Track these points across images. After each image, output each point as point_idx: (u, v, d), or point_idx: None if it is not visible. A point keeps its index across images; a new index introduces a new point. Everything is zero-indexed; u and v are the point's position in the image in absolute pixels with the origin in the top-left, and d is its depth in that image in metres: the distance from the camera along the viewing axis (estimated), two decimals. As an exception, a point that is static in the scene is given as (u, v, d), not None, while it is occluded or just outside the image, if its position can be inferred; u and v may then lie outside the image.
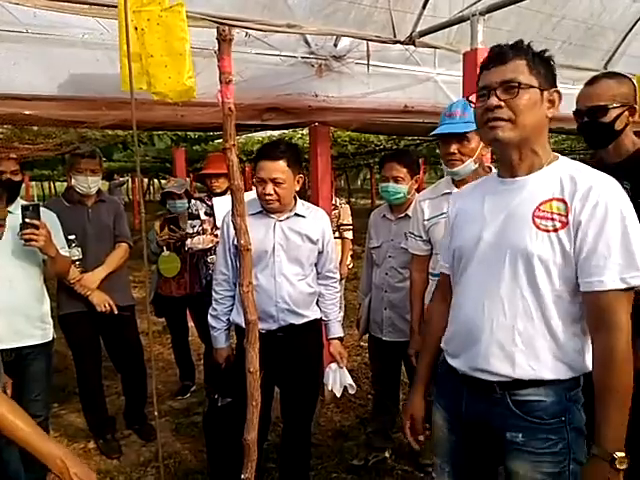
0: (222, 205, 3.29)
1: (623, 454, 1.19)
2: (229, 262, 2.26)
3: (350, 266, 4.81)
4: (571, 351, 1.30)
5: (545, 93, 1.30)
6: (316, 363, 2.40)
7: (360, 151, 8.88)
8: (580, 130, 2.01)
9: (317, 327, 2.38)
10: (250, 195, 2.18)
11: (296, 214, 2.25)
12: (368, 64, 3.08)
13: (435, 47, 3.05)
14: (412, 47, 3.00)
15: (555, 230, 1.27)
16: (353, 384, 2.39)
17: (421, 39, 2.93)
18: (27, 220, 2.21)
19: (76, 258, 2.80)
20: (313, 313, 2.34)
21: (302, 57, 3.03)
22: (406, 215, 2.60)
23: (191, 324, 3.90)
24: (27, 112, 2.08)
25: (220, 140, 5.90)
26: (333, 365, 2.40)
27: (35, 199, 17.62)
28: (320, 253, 2.32)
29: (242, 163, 9.61)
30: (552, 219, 1.27)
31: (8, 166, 2.32)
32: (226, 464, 2.27)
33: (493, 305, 1.33)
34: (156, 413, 1.38)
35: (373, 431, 2.90)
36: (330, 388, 2.37)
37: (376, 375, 2.95)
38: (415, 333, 2.39)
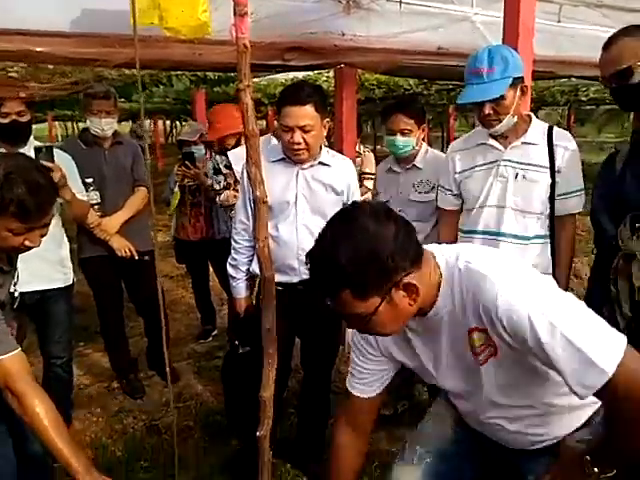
0: (239, 156, 3.19)
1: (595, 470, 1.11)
2: (249, 212, 2.18)
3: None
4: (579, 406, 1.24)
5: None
6: (337, 316, 2.36)
7: (388, 96, 8.54)
8: (612, 96, 1.86)
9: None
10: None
11: (320, 162, 2.14)
12: (400, 1, 2.85)
13: (473, -17, 2.81)
14: (448, -18, 2.77)
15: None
16: None
17: (458, -27, 2.70)
18: (41, 162, 2.15)
19: (94, 202, 2.76)
20: None
21: (329, -8, 2.82)
22: (414, 166, 2.50)
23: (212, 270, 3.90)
24: (39, 49, 1.97)
25: (242, 81, 5.67)
26: None
27: (59, 139, 17.67)
28: (344, 204, 2.22)
29: (264, 106, 9.37)
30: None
31: (12, 107, 2.22)
32: (243, 411, 2.29)
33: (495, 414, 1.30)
34: (167, 360, 1.39)
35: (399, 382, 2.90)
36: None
37: None
38: None
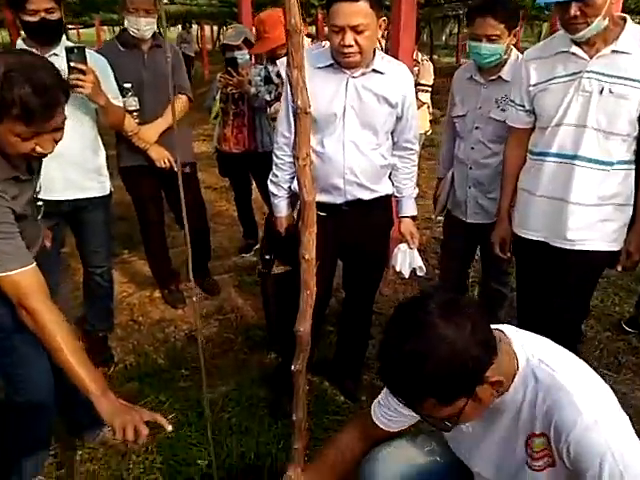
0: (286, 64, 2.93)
1: None
2: (292, 124, 1.99)
3: (429, 133, 4.41)
4: None
5: None
6: (383, 241, 2.22)
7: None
8: None
9: (387, 203, 2.15)
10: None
11: (374, 70, 1.89)
12: None
13: None
14: None
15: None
16: (423, 266, 2.21)
17: None
18: (72, 64, 2.00)
19: (133, 108, 2.61)
20: (384, 188, 2.08)
21: None
22: (499, 78, 2.19)
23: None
24: None
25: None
26: (402, 246, 2.20)
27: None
28: (399, 119, 1.99)
29: (314, 9, 8.77)
30: None
31: (40, 4, 2.02)
32: (282, 328, 2.26)
33: None
34: (191, 279, 1.29)
35: None
36: (398, 269, 2.21)
37: (448, 256, 2.74)
38: (503, 220, 2.12)
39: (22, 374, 1.61)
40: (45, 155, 1.35)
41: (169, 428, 1.32)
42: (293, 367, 1.18)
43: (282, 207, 2.15)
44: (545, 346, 1.17)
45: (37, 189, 1.54)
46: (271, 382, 2.42)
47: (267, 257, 3.38)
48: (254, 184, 3.73)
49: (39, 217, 1.60)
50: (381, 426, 1.40)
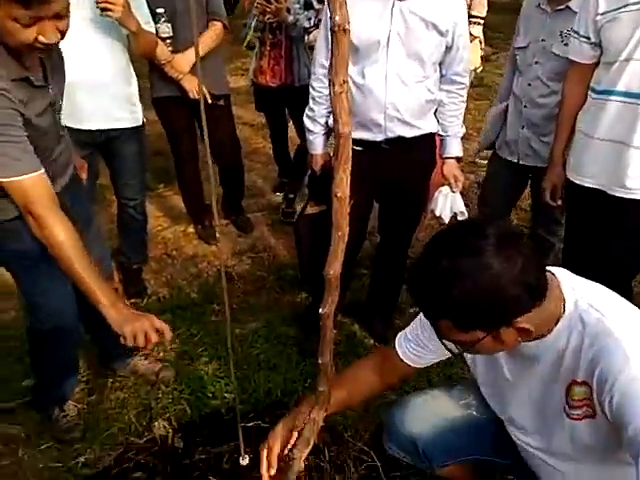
0: None
1: None
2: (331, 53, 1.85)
3: (479, 70, 4.10)
4: None
5: None
6: (423, 181, 2.11)
7: None
8: None
9: (431, 142, 2.02)
10: None
11: None
12: None
13: None
14: None
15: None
16: (465, 211, 2.10)
17: None
18: None
19: (166, 35, 2.48)
20: (428, 125, 1.95)
21: None
22: (567, 8, 1.96)
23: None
24: None
25: None
26: (444, 189, 2.08)
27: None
28: (448, 49, 1.83)
29: None
30: None
31: None
32: (315, 268, 2.22)
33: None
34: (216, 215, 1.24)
35: None
36: (438, 213, 2.11)
37: (489, 195, 2.57)
38: (556, 164, 1.95)
39: (44, 304, 1.62)
40: (49, 46, 1.27)
41: (168, 335, 1.35)
42: (321, 310, 1.12)
43: (318, 144, 2.05)
44: (597, 291, 1.09)
45: (58, 102, 1.47)
46: (301, 321, 2.42)
47: (291, 196, 3.30)
48: (291, 121, 3.61)
49: (62, 133, 1.54)
50: (407, 361, 1.35)
